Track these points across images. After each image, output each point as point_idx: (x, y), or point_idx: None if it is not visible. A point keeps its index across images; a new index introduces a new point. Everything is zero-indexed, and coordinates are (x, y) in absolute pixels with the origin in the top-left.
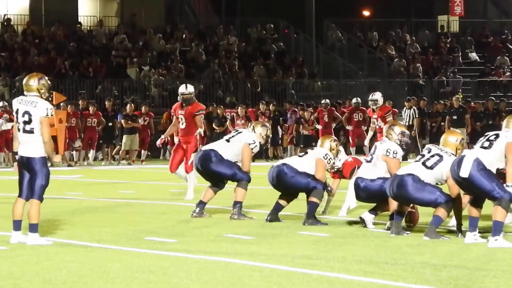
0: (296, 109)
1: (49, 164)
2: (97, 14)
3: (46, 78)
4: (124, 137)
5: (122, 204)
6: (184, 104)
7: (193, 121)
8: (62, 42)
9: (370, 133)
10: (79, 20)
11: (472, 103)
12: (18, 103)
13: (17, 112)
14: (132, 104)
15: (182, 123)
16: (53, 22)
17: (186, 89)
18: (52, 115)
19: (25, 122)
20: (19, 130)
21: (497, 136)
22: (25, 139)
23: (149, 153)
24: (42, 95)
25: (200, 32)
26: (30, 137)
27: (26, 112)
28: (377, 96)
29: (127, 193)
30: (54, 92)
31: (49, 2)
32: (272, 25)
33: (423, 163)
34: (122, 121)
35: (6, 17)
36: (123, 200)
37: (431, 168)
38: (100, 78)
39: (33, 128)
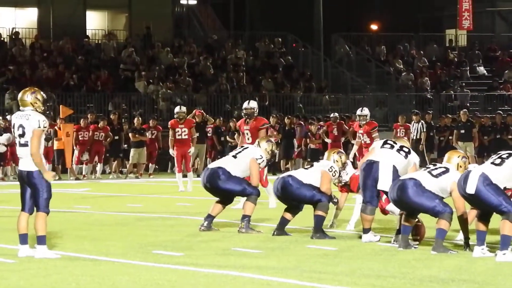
0: (302, 123)
1: (56, 178)
2: (105, 27)
3: (42, 92)
4: (132, 150)
5: (130, 217)
6: (248, 119)
7: (258, 135)
8: (70, 56)
9: (355, 148)
10: (87, 34)
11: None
12: (15, 118)
13: (13, 127)
14: (140, 118)
15: (248, 138)
16: (61, 36)
17: (249, 104)
18: (45, 127)
19: (20, 136)
20: (17, 144)
21: (510, 155)
22: (22, 153)
23: (156, 166)
24: (37, 109)
25: (208, 45)
26: (25, 150)
27: (20, 126)
28: (367, 111)
29: (135, 206)
30: (61, 106)
31: (57, 16)
32: (280, 39)
33: (429, 172)
34: (130, 134)
35: (14, 31)
36: (131, 214)
37: (436, 176)
38: (108, 92)
39: (27, 141)
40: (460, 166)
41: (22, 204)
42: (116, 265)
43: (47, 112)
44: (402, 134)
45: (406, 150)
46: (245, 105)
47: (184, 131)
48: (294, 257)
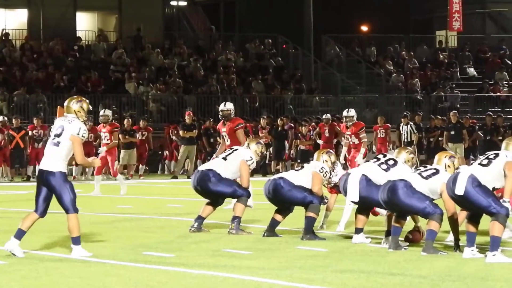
0: (292, 124)
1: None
2: (95, 29)
3: (87, 101)
4: (122, 151)
5: (120, 218)
6: (225, 121)
7: (235, 136)
8: (60, 57)
9: (344, 149)
10: (77, 35)
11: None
12: (58, 120)
13: (53, 127)
14: (130, 119)
15: (227, 140)
16: (52, 37)
17: (225, 106)
18: (83, 137)
19: (56, 135)
20: (49, 142)
21: (496, 155)
22: (50, 151)
23: (147, 168)
24: (80, 118)
25: (198, 47)
26: (54, 150)
27: (61, 126)
28: (353, 112)
29: (125, 207)
30: (58, 107)
31: (48, 17)
32: (270, 41)
33: (419, 174)
34: (120, 136)
35: (4, 32)
36: (122, 215)
37: (426, 178)
38: (98, 93)
39: (59, 142)
40: (449, 166)
41: (36, 205)
42: (106, 267)
43: (89, 122)
44: (383, 135)
45: (391, 163)
46: (221, 107)
47: (106, 135)
48: (284, 258)
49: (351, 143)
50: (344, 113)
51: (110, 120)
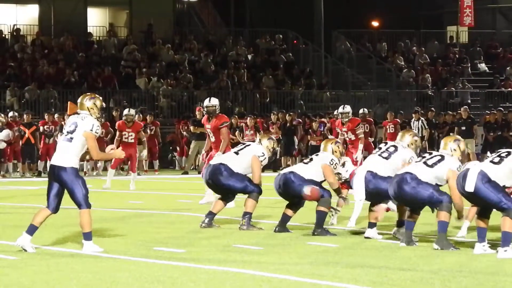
0: (300, 120)
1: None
2: (106, 24)
3: (101, 98)
4: None
5: (131, 214)
6: (210, 117)
7: (219, 134)
8: (71, 53)
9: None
10: (88, 31)
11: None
12: (71, 117)
13: (65, 124)
14: (141, 115)
15: (212, 137)
16: (62, 33)
17: (210, 101)
18: (97, 133)
19: (68, 132)
20: (61, 138)
21: (508, 153)
22: (62, 147)
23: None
24: (92, 114)
25: (209, 42)
26: (67, 145)
27: (73, 123)
28: (348, 108)
29: (136, 203)
30: (69, 102)
31: (59, 13)
32: (281, 36)
33: (424, 162)
34: None
35: (15, 27)
36: (132, 210)
37: (431, 166)
38: (109, 88)
39: (72, 138)
40: (455, 150)
41: (47, 201)
42: (117, 262)
43: (100, 120)
44: (392, 130)
45: (392, 149)
46: (206, 102)
47: (131, 135)
48: (295, 254)
49: (347, 139)
50: (340, 110)
51: (133, 120)
